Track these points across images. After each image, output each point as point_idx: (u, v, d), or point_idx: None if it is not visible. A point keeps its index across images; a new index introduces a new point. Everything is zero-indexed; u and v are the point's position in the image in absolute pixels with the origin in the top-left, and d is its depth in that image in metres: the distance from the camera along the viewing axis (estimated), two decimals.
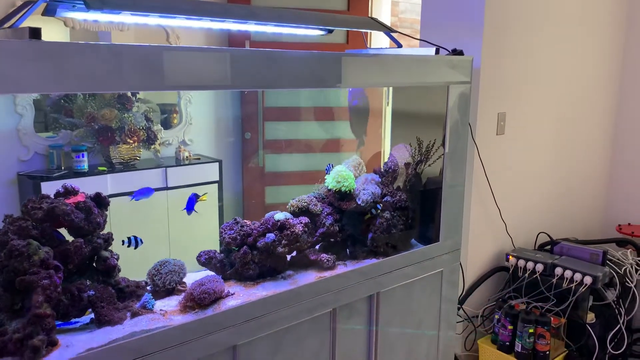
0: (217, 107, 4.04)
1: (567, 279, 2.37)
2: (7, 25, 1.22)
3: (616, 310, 2.50)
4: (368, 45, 4.13)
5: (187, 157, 3.68)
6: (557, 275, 2.40)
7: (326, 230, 1.70)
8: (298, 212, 1.69)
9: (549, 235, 2.76)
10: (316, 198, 1.76)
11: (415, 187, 1.99)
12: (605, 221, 3.38)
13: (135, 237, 1.42)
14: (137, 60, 1.15)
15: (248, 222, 1.62)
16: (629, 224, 3.19)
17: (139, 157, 3.45)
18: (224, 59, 1.30)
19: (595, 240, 2.91)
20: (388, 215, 1.82)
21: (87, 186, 3.14)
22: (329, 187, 1.74)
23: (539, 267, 2.43)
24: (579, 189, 3.12)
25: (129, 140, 3.31)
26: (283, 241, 1.57)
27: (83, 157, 3.17)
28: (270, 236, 1.55)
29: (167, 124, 3.85)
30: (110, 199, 3.30)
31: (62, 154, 3.22)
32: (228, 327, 1.43)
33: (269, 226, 1.58)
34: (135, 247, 1.43)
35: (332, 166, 1.80)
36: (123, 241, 1.40)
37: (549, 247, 2.69)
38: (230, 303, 1.46)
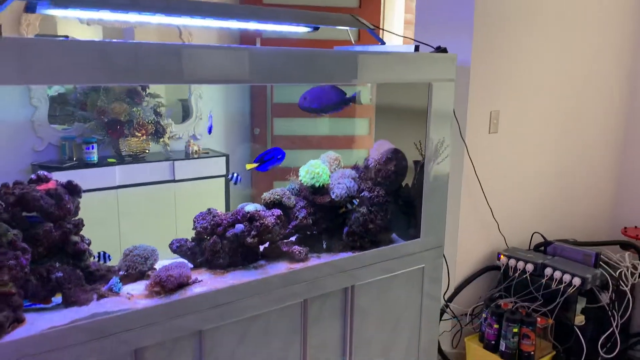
0: (226, 103, 4.12)
1: (556, 279, 2.35)
2: None
3: (610, 313, 2.46)
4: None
5: (196, 151, 3.77)
6: (547, 276, 2.38)
7: (299, 222, 1.75)
8: (271, 205, 1.74)
9: (542, 236, 2.73)
10: (290, 191, 1.81)
11: (395, 184, 2.01)
12: (614, 223, 3.31)
13: (105, 253, 1.51)
14: (94, 55, 1.21)
15: (220, 213, 1.67)
16: (636, 226, 3.13)
17: (148, 150, 3.56)
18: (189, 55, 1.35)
19: (596, 242, 2.87)
20: (364, 210, 1.85)
21: (96, 177, 3.27)
22: (302, 182, 1.78)
23: (529, 267, 2.42)
24: (582, 189, 3.07)
25: (137, 133, 3.41)
26: (252, 232, 1.61)
27: (93, 148, 3.29)
28: (239, 227, 1.60)
29: (186, 118, 3.97)
30: (118, 190, 3.39)
31: (74, 145, 3.35)
32: (193, 313, 1.49)
33: (238, 217, 1.63)
34: (104, 262, 1.51)
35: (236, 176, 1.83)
36: (93, 256, 1.49)
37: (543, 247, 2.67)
38: (197, 290, 1.52)
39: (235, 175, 1.82)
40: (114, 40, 1.23)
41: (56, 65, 1.15)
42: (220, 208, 3.91)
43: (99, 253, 1.52)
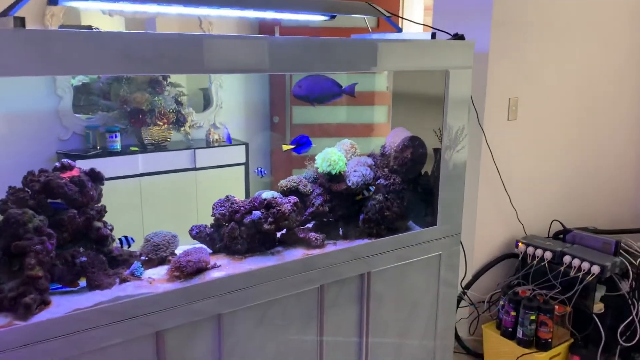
0: (246, 92, 4.15)
1: (575, 267, 2.34)
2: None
3: (630, 301, 2.44)
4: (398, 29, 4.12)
5: (216, 139, 3.82)
6: (566, 264, 2.37)
7: (315, 209, 1.77)
8: (287, 192, 1.77)
9: (561, 224, 2.71)
10: (306, 179, 1.83)
11: (412, 172, 2.02)
12: (636, 211, 3.27)
13: (127, 237, 1.55)
14: (117, 45, 1.25)
15: (238, 200, 1.71)
16: None
17: (169, 138, 3.61)
18: (204, 44, 1.38)
19: (617, 230, 2.84)
20: (380, 198, 1.87)
21: (119, 165, 3.34)
22: (319, 170, 1.80)
23: (548, 255, 2.41)
24: (603, 178, 3.03)
25: (159, 122, 3.47)
26: (269, 219, 1.64)
27: (116, 137, 3.36)
28: (257, 214, 1.64)
29: (207, 107, 4.02)
30: (141, 177, 3.45)
31: (98, 134, 3.42)
32: (212, 297, 1.53)
33: (256, 204, 1.66)
34: (129, 247, 1.55)
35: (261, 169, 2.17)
36: (115, 240, 1.53)
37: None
38: (215, 274, 1.56)
39: (260, 169, 2.09)
40: (136, 31, 1.26)
41: (79, 56, 1.19)
42: (240, 196, 3.98)
43: (119, 238, 1.57)
